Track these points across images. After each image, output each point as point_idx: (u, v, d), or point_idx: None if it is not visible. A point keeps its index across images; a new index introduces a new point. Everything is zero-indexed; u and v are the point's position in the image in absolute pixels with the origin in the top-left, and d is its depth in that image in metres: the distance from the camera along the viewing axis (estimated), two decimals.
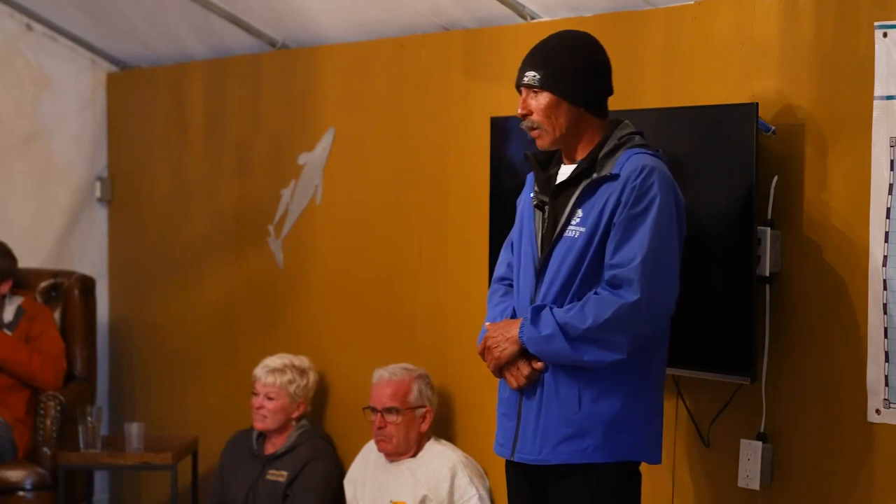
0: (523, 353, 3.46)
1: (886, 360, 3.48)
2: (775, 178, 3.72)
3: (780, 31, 3.75)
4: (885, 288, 3.47)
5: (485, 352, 3.55)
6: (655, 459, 3.51)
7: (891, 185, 3.46)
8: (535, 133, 3.52)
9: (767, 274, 3.71)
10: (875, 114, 3.48)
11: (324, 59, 5.49)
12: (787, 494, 3.76)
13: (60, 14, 6.36)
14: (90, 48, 6.55)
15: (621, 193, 3.37)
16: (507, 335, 3.49)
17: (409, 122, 5.10)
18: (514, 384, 3.49)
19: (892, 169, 3.46)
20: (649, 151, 3.46)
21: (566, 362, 3.40)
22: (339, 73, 5.42)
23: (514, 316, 3.57)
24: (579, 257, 3.41)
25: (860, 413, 3.55)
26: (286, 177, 5.63)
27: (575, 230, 3.43)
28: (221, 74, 6.02)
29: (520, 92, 3.55)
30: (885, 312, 3.47)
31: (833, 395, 3.63)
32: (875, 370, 3.50)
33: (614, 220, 3.38)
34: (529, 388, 3.47)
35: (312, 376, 5.33)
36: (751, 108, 3.67)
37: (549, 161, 3.61)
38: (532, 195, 3.60)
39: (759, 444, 3.75)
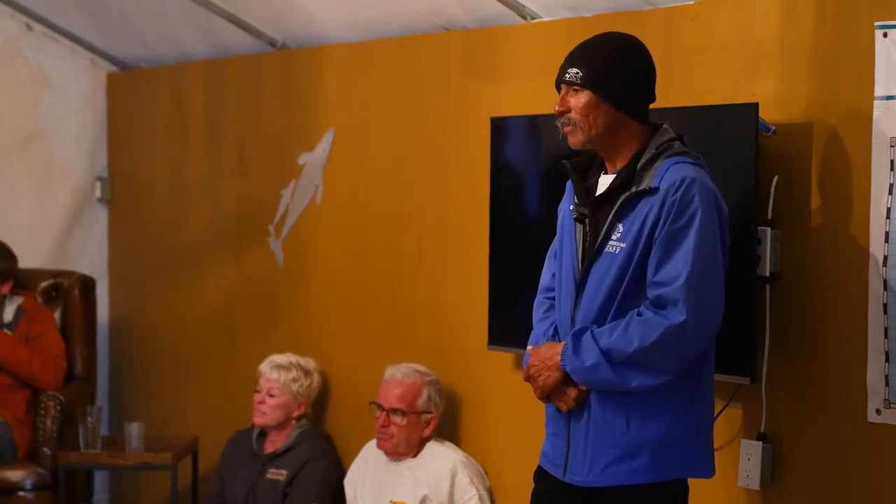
0: (567, 378, 3.38)
1: (886, 360, 3.48)
2: (775, 178, 3.72)
3: (780, 31, 3.75)
4: (885, 288, 3.47)
5: (529, 379, 3.48)
6: (708, 473, 3.42)
7: (891, 185, 3.46)
8: (567, 129, 3.40)
9: (767, 274, 3.71)
10: (875, 114, 3.48)
11: (324, 59, 5.49)
12: (787, 494, 3.76)
13: (60, 14, 6.36)
14: (90, 48, 6.55)
15: (661, 208, 3.26)
16: (548, 363, 3.40)
17: (409, 122, 5.10)
18: (564, 408, 3.42)
19: (892, 169, 3.46)
20: (689, 160, 3.33)
21: (613, 389, 3.32)
22: (339, 73, 5.42)
23: (556, 331, 3.51)
24: (620, 273, 3.32)
25: (860, 413, 3.54)
26: (286, 177, 5.63)
27: (615, 245, 3.33)
28: (221, 74, 6.02)
29: (559, 89, 3.42)
30: (885, 312, 3.47)
31: (833, 395, 3.63)
32: (875, 370, 3.50)
33: (655, 236, 3.27)
34: (576, 409, 3.40)
35: (316, 378, 5.34)
36: (751, 108, 3.67)
37: (588, 169, 3.50)
38: (571, 207, 3.48)
39: (759, 444, 3.75)
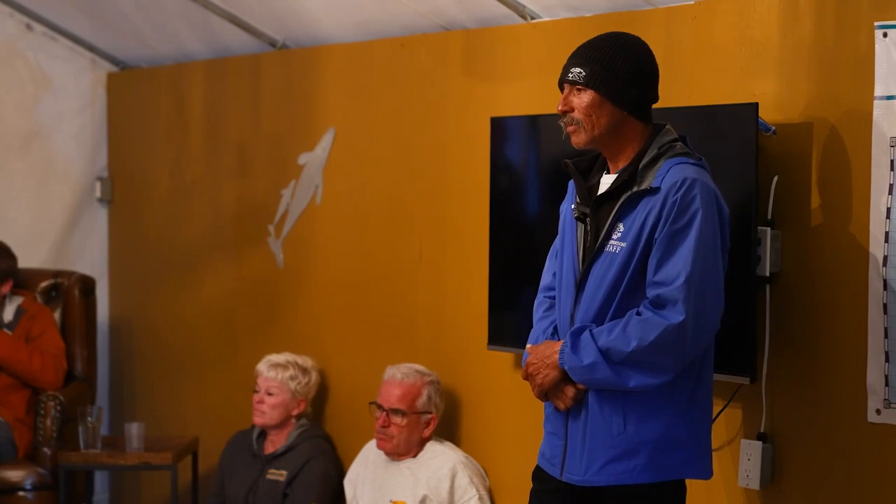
0: (566, 377, 3.38)
1: (886, 360, 3.48)
2: (775, 178, 3.72)
3: (780, 31, 3.75)
4: (885, 288, 3.47)
5: (528, 377, 3.48)
6: (707, 474, 3.42)
7: (891, 185, 3.46)
8: (571, 129, 3.40)
9: (767, 274, 3.71)
10: (875, 114, 3.48)
11: (324, 59, 5.49)
12: (787, 494, 3.76)
13: (60, 14, 6.36)
14: (90, 48, 6.55)
15: (662, 208, 3.26)
16: (547, 361, 3.41)
17: (409, 122, 5.10)
18: (562, 406, 3.42)
19: (892, 169, 3.46)
20: (691, 161, 3.34)
21: (611, 388, 3.32)
22: (339, 73, 5.42)
23: (556, 330, 3.51)
24: (620, 273, 3.32)
25: (860, 413, 3.54)
26: (286, 177, 5.63)
27: (616, 245, 3.33)
28: (221, 74, 6.02)
29: (562, 89, 3.42)
30: (885, 312, 3.47)
31: (833, 395, 3.63)
32: (875, 370, 3.50)
33: (656, 236, 3.27)
34: (574, 408, 3.40)
35: (314, 376, 5.34)
36: (751, 108, 3.67)
37: (590, 169, 3.50)
38: (573, 207, 3.48)
39: (759, 444, 3.75)
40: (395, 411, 4.76)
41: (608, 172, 3.46)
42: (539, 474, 3.55)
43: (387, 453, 4.83)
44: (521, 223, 4.53)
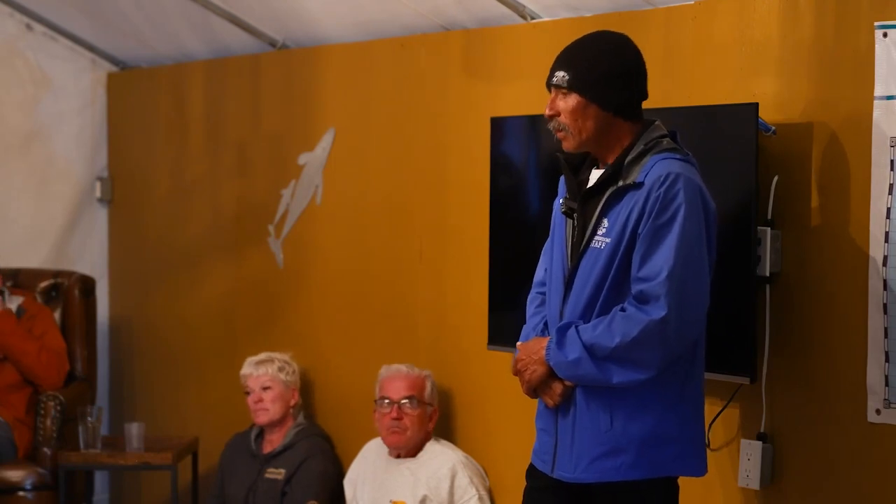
0: (553, 373, 3.39)
1: (886, 360, 3.48)
2: (775, 178, 3.72)
3: (780, 31, 3.75)
4: (885, 288, 3.47)
5: (517, 374, 3.49)
6: (700, 471, 3.41)
7: (891, 185, 3.46)
8: (560, 134, 3.40)
9: (767, 274, 3.71)
10: (875, 114, 3.48)
11: (324, 59, 5.49)
12: (787, 494, 3.76)
13: (60, 14, 6.36)
14: (90, 48, 6.55)
15: (645, 203, 3.25)
16: (534, 357, 3.42)
17: (409, 122, 5.10)
18: (551, 403, 3.42)
19: (892, 169, 3.46)
20: (677, 156, 3.32)
21: (596, 384, 3.33)
22: (339, 73, 5.42)
23: (546, 326, 3.52)
24: (605, 269, 3.32)
25: (860, 413, 3.55)
26: (286, 177, 5.64)
27: (601, 241, 3.33)
28: (221, 74, 6.02)
29: (550, 91, 3.42)
30: (885, 312, 3.47)
31: (833, 395, 3.63)
32: (875, 370, 3.51)
33: (639, 231, 3.26)
34: (563, 405, 3.41)
35: (296, 367, 5.41)
36: (751, 108, 3.67)
37: (581, 164, 3.49)
38: (561, 201, 3.49)
39: (759, 444, 3.75)
40: (409, 398, 4.76)
41: (598, 168, 3.46)
42: (532, 472, 3.55)
43: (399, 448, 4.82)
44: (521, 223, 4.53)
